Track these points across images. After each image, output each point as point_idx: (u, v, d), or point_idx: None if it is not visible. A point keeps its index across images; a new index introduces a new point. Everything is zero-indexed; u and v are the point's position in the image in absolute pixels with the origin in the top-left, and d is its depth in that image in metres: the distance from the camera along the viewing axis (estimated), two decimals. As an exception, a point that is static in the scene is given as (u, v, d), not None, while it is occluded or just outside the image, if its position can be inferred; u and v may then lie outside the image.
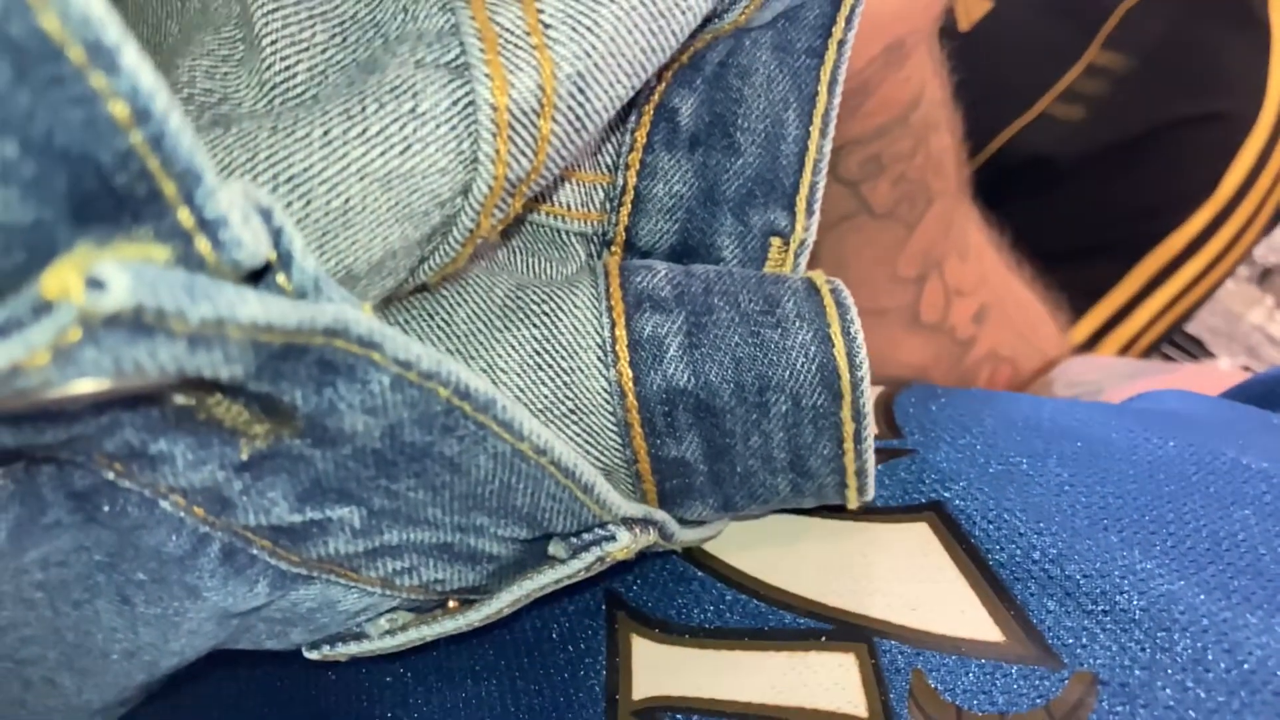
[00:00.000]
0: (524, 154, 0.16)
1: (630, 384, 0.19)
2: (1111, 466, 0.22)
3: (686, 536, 0.21)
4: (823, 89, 0.21)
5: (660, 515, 0.20)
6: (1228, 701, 0.18)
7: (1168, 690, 0.18)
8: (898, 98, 0.32)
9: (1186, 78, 0.61)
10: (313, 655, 0.20)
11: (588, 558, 0.19)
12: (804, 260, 0.21)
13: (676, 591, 0.22)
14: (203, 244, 0.11)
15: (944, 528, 0.22)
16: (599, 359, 0.19)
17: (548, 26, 0.16)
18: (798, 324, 0.19)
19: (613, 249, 0.21)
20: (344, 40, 0.17)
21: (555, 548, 0.19)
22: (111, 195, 0.10)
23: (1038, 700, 0.19)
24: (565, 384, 0.19)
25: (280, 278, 0.13)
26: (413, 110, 0.15)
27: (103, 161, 0.10)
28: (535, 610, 0.23)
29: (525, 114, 0.16)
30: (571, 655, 0.22)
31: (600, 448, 0.20)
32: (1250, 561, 0.20)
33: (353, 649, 0.20)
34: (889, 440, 0.24)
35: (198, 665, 0.19)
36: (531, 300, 0.20)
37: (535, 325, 0.19)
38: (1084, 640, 0.19)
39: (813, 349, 0.19)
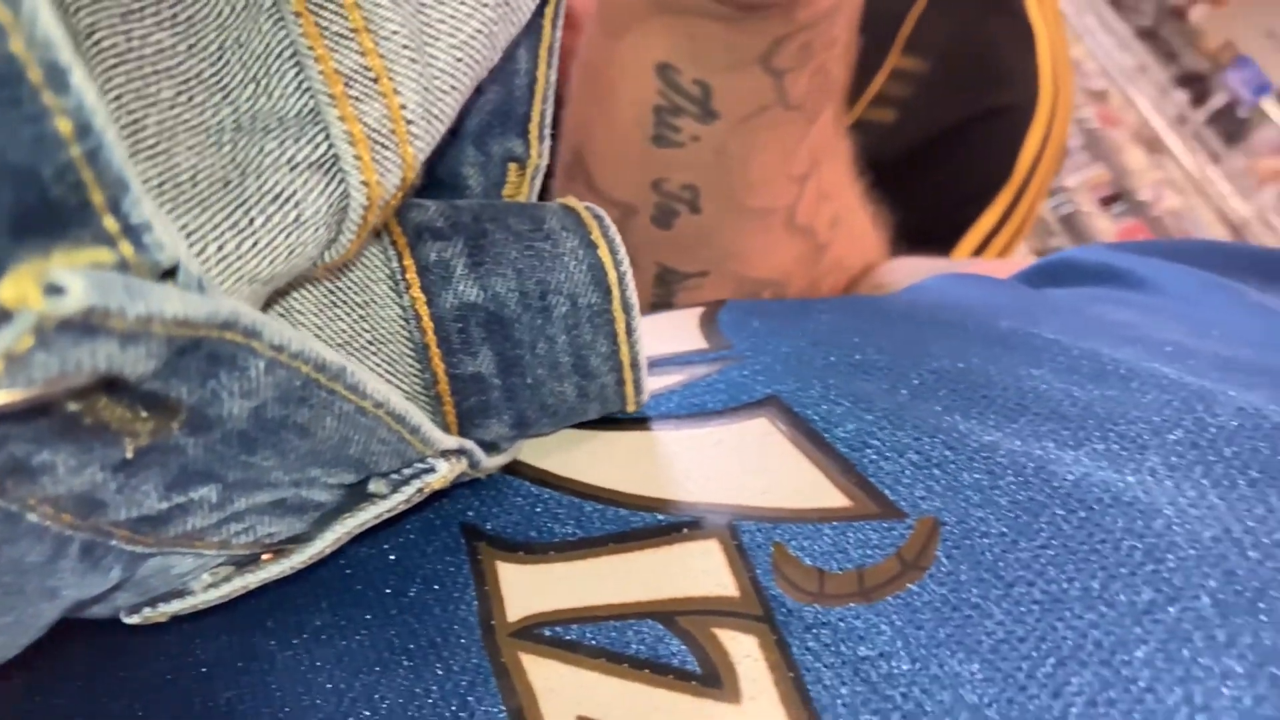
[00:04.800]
0: (380, 215, 0.17)
1: (424, 306, 0.20)
2: (926, 349, 0.24)
3: (490, 463, 0.22)
4: (547, 23, 0.22)
5: (469, 444, 0.21)
6: (1051, 519, 0.19)
7: (997, 519, 0.20)
8: None
9: (977, 75, 0.66)
10: (134, 619, 0.20)
11: (408, 490, 0.20)
12: (538, 183, 0.23)
13: (534, 514, 0.23)
14: (125, 247, 0.12)
15: (782, 418, 0.23)
16: (391, 289, 0.20)
17: (410, 122, 0.17)
18: (564, 234, 0.21)
19: None
20: (190, 100, 0.16)
21: (376, 485, 0.20)
22: (46, 207, 0.11)
23: (890, 549, 0.20)
24: (361, 317, 0.20)
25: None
26: (296, 219, 0.16)
27: (44, 175, 0.10)
28: (393, 561, 0.23)
29: (388, 196, 0.17)
30: (439, 594, 0.22)
31: (400, 375, 0.21)
32: (1052, 410, 0.22)
33: (174, 607, 0.20)
34: (720, 350, 0.26)
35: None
36: None
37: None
38: (920, 492, 0.21)
39: (581, 252, 0.21)
